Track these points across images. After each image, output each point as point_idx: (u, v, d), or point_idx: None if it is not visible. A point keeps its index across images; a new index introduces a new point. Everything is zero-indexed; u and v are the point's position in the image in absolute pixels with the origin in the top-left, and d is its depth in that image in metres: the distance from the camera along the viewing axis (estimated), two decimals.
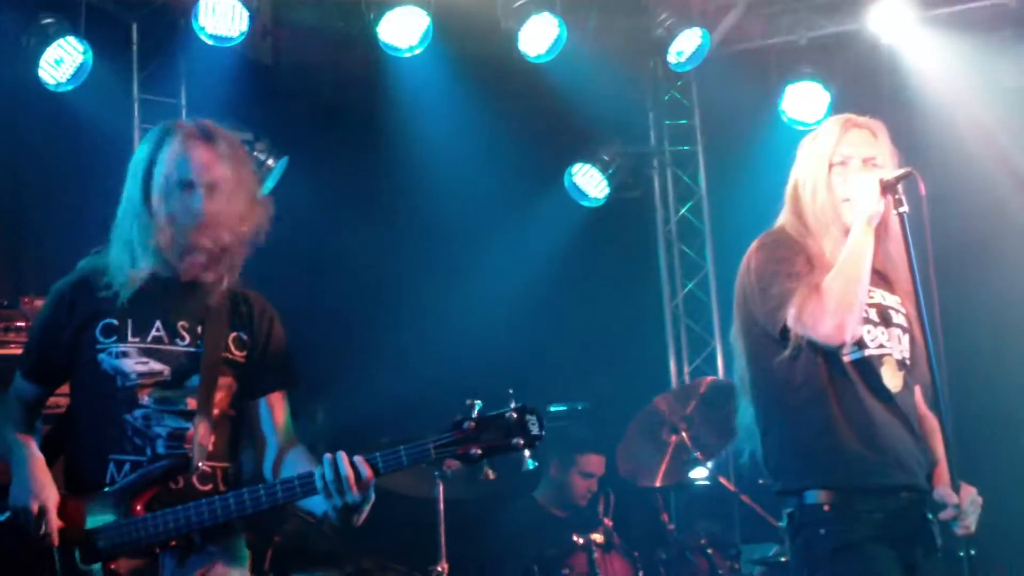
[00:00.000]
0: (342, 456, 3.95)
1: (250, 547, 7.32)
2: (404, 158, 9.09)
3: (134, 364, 4.13)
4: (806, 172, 4.47)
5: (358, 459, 3.96)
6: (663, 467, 7.83)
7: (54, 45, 7.70)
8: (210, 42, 8.04)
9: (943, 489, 4.16)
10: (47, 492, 4.06)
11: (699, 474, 8.50)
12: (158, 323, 4.19)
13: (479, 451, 3.94)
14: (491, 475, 6.35)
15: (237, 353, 4.29)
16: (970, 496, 4.18)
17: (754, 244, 4.46)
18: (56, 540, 4.03)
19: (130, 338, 4.15)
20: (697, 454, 7.65)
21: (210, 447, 4.19)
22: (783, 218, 4.54)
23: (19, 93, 7.89)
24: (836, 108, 8.81)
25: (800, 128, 9.08)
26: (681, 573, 7.36)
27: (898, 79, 9.04)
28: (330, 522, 4.11)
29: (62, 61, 7.77)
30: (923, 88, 8.97)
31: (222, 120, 8.44)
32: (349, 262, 9.21)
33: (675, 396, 8.01)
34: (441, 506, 6.60)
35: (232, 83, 8.46)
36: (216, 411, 4.21)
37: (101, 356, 4.14)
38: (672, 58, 9.16)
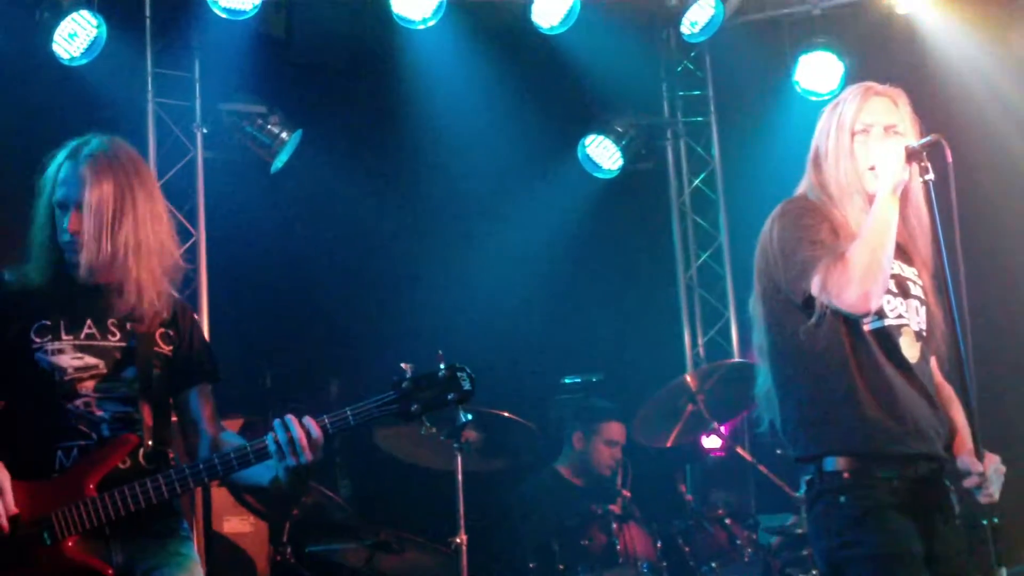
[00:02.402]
0: (291, 419, 4.19)
1: (268, 520, 7.45)
2: (417, 130, 9.08)
3: (70, 359, 4.29)
4: (828, 140, 4.45)
5: (307, 420, 4.18)
6: (675, 431, 7.93)
7: (68, 19, 7.67)
8: (223, 15, 8.01)
9: (967, 457, 4.16)
10: (1, 475, 4.13)
11: (714, 444, 8.52)
12: (89, 321, 4.36)
13: (418, 407, 4.28)
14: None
15: (164, 347, 4.48)
16: (993, 464, 4.18)
17: (777, 210, 4.43)
18: (6, 525, 4.09)
19: (64, 336, 4.31)
20: (714, 423, 7.78)
21: (153, 429, 4.37)
22: (804, 186, 4.52)
23: (33, 67, 7.89)
24: (850, 78, 8.77)
25: (814, 99, 9.05)
26: (699, 543, 7.37)
27: (913, 49, 8.99)
28: (279, 486, 4.29)
29: (76, 35, 7.74)
30: (938, 58, 8.92)
31: (235, 93, 8.52)
32: (363, 234, 9.24)
33: (699, 374, 8.09)
34: (460, 477, 6.60)
35: (245, 56, 8.44)
36: (154, 397, 4.39)
37: (38, 355, 4.28)
38: (685, 29, 9.12)
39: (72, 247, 4.33)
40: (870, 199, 4.28)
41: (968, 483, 4.14)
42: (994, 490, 4.14)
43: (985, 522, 4.08)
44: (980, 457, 4.11)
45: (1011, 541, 4.16)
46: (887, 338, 4.29)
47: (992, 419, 4.41)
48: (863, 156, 4.36)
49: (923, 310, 4.42)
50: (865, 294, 4.08)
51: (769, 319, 4.44)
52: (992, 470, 4.16)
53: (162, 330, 4.48)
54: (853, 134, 4.40)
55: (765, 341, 4.48)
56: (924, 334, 4.39)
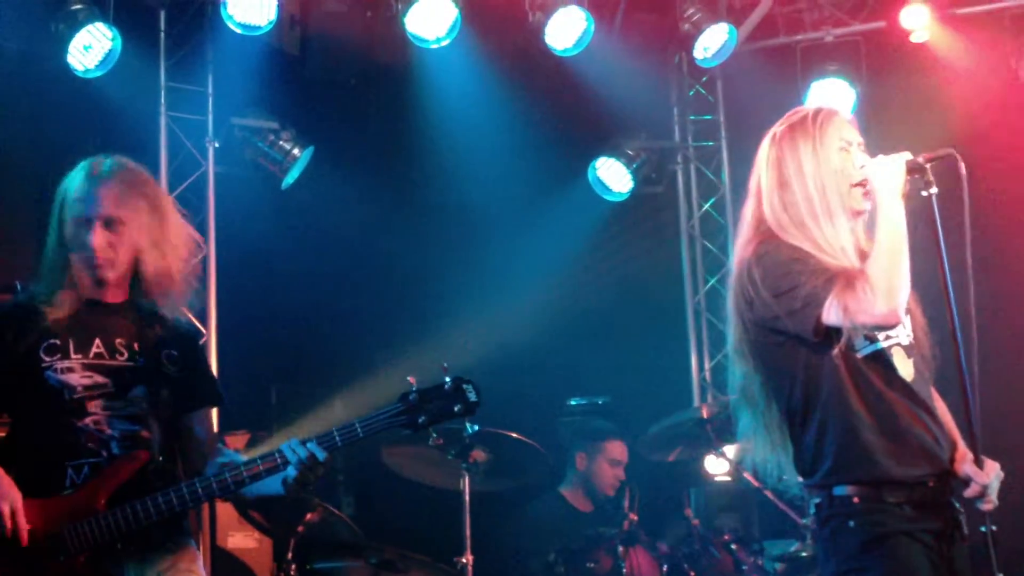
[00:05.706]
0: (298, 442, 4.31)
1: (273, 537, 7.44)
2: (429, 150, 9.10)
3: (80, 378, 4.34)
4: (804, 162, 4.31)
5: (314, 442, 4.30)
6: (679, 449, 7.99)
7: (83, 31, 7.66)
8: (238, 30, 8.03)
9: (968, 466, 4.14)
10: (13, 493, 4.17)
11: (720, 469, 8.51)
12: (98, 340, 4.41)
13: (425, 419, 4.36)
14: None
15: (170, 368, 4.53)
16: (994, 471, 4.18)
17: (750, 259, 4.30)
18: (25, 539, 4.13)
19: (73, 355, 4.36)
20: (721, 447, 7.81)
21: (162, 447, 4.44)
22: (760, 226, 4.38)
23: (47, 78, 7.90)
24: (861, 105, 8.77)
25: None
26: (705, 568, 7.34)
27: (924, 77, 8.99)
28: (289, 489, 4.38)
29: (91, 47, 7.73)
30: (950, 87, 8.92)
31: (248, 108, 8.55)
32: (372, 254, 9.24)
33: (713, 406, 8.08)
34: (467, 498, 6.60)
35: (259, 72, 8.47)
36: (161, 416, 4.46)
37: (47, 373, 4.33)
38: (698, 53, 9.13)
39: (92, 262, 4.39)
40: (856, 213, 4.26)
41: (969, 493, 4.14)
42: (994, 496, 4.15)
43: (983, 529, 4.09)
44: (980, 465, 4.11)
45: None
46: (882, 361, 4.21)
47: (996, 429, 4.40)
48: (850, 171, 4.31)
49: (907, 319, 4.34)
50: (894, 304, 3.99)
51: (766, 367, 4.32)
52: (992, 476, 4.16)
53: (167, 351, 4.53)
54: (838, 151, 4.34)
55: (762, 389, 4.37)
56: (913, 344, 4.34)
